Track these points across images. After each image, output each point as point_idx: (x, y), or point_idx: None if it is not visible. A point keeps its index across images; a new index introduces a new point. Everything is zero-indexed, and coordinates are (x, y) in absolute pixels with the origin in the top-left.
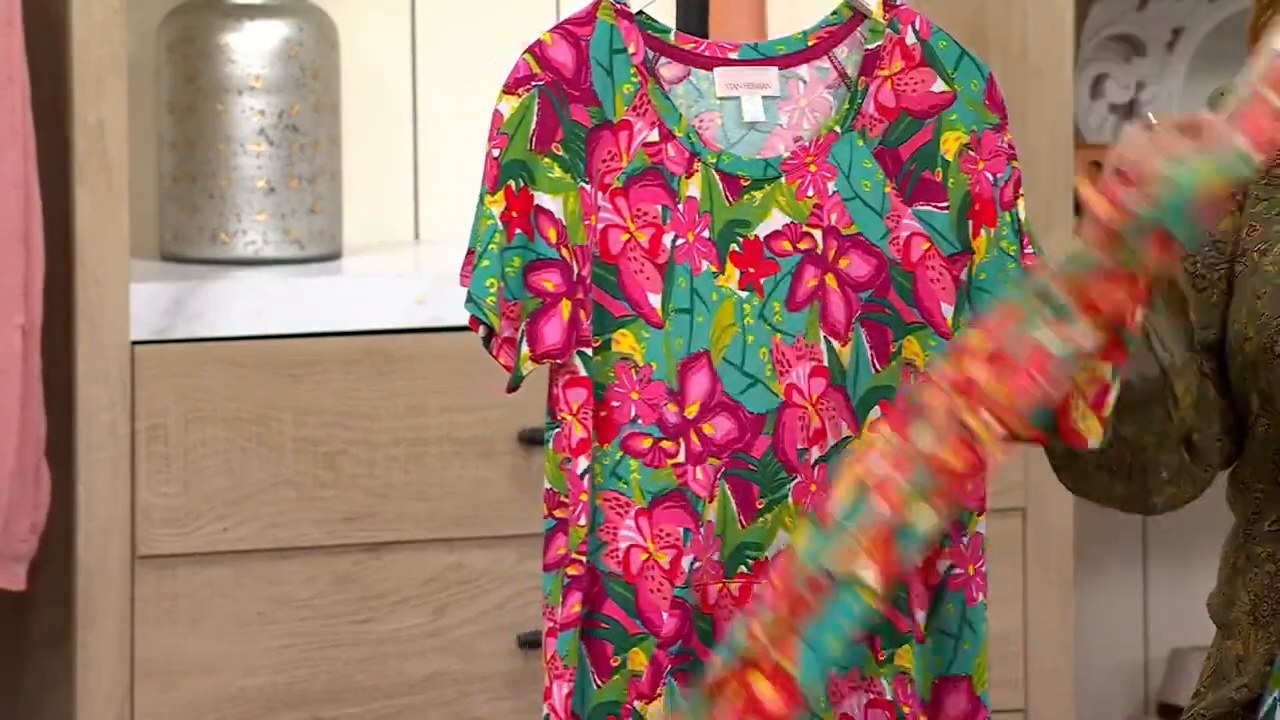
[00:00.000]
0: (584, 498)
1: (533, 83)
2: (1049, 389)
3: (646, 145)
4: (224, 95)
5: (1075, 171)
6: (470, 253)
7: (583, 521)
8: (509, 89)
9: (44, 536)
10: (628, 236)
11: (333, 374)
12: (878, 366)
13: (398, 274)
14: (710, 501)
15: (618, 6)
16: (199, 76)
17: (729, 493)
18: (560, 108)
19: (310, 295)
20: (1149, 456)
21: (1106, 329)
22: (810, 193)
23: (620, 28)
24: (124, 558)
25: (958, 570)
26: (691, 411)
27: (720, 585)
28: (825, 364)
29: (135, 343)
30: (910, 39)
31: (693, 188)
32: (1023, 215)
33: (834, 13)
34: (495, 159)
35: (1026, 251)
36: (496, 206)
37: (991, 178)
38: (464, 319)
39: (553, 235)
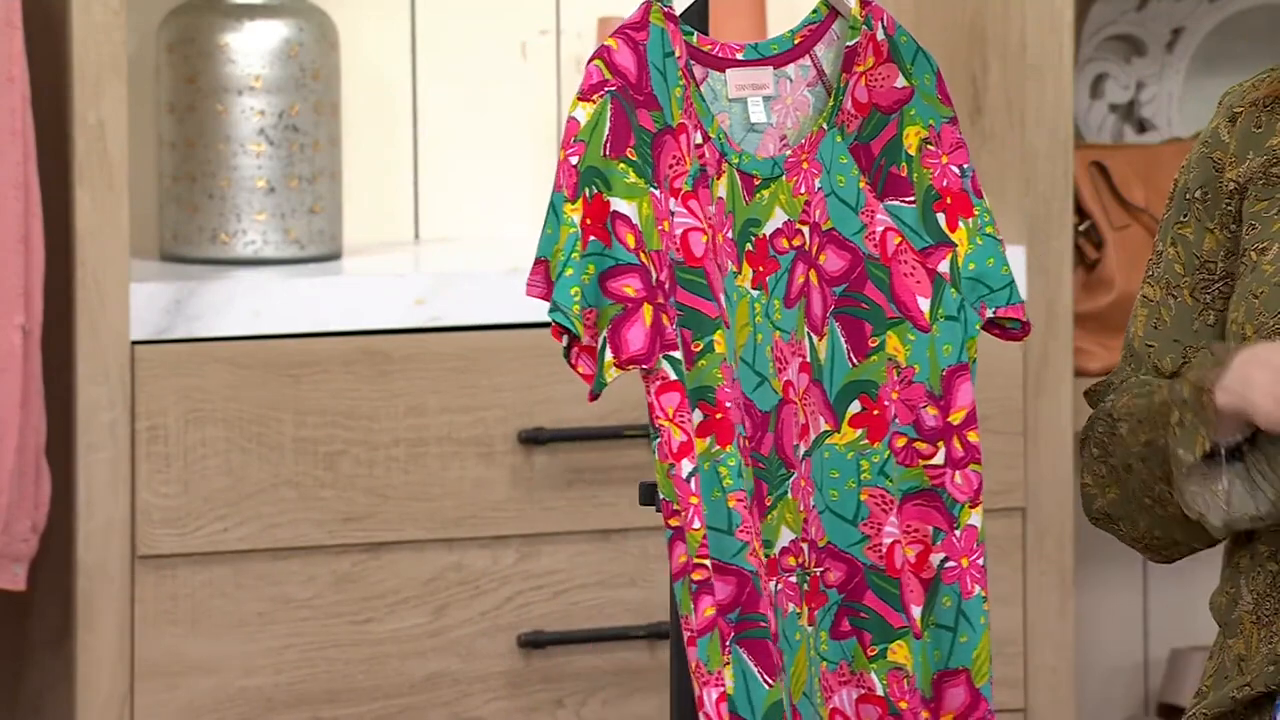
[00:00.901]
0: (694, 501)
1: (605, 89)
2: None
3: (695, 148)
4: (224, 95)
5: (1075, 171)
6: (540, 262)
7: (696, 525)
8: (583, 96)
9: (44, 536)
10: (707, 239)
11: (333, 374)
12: (855, 360)
13: (398, 274)
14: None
15: (665, 10)
16: (199, 76)
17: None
18: (631, 113)
19: (310, 295)
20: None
21: None
22: (802, 190)
23: (669, 31)
24: (124, 558)
25: (951, 563)
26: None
27: None
28: (808, 359)
29: (135, 343)
30: (880, 35)
31: (721, 188)
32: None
33: (814, 11)
34: (574, 166)
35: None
36: (577, 214)
37: (958, 169)
38: (464, 319)
39: (631, 240)
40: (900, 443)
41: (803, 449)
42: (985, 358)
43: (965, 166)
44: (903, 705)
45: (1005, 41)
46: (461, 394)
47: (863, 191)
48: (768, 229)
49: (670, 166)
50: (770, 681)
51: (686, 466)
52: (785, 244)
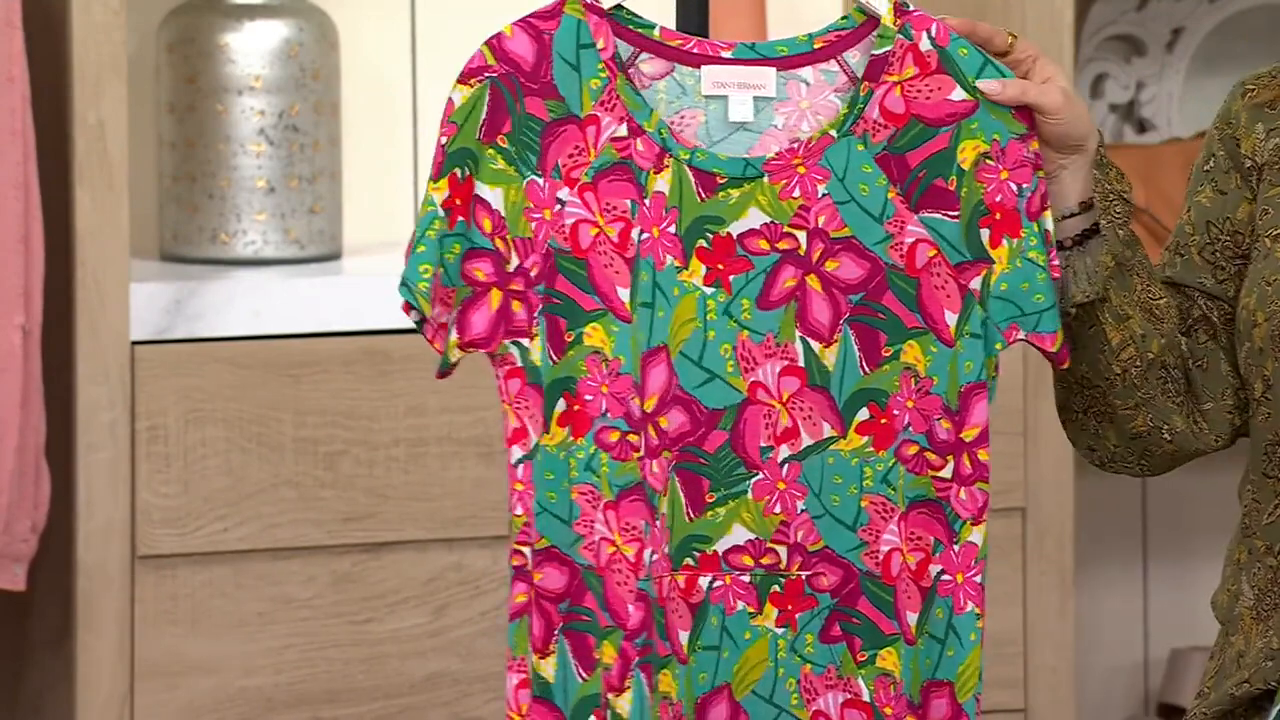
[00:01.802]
0: (519, 487)
1: (485, 74)
2: None
3: (615, 140)
4: (224, 95)
5: None
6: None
7: (519, 511)
8: (462, 79)
9: (44, 536)
10: (596, 231)
11: (333, 374)
12: (867, 369)
13: (398, 274)
14: (663, 494)
15: (587, 2)
16: (199, 77)
17: (678, 485)
18: (512, 100)
19: (310, 295)
20: (1152, 410)
21: None
22: (796, 194)
23: (589, 23)
24: (124, 558)
25: (947, 577)
26: (650, 405)
27: (669, 577)
28: (801, 364)
29: (135, 343)
30: (925, 45)
31: (661, 183)
32: (1050, 226)
33: (844, 17)
34: (443, 147)
35: (1054, 263)
36: (439, 194)
37: (1016, 187)
38: None
39: (488, 225)
40: (911, 450)
41: (786, 452)
42: None
43: (1025, 186)
44: (887, 711)
45: None
46: (462, 394)
47: (891, 201)
48: (735, 228)
49: (570, 156)
50: (585, 675)
51: (516, 452)
52: (764, 245)
